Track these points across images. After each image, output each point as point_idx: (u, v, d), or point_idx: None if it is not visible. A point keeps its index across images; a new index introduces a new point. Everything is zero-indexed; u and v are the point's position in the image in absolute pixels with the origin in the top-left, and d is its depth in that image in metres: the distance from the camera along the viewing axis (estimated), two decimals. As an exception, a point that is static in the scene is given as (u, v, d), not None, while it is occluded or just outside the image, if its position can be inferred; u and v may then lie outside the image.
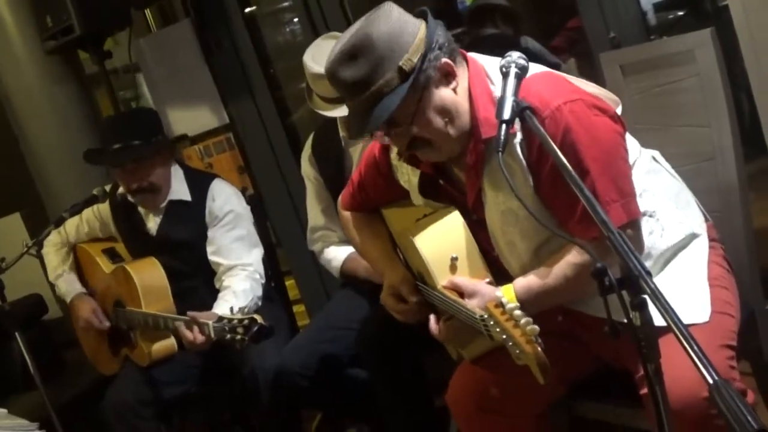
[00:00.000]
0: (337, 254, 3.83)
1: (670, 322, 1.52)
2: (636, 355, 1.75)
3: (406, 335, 3.28)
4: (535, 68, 2.45)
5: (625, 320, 1.67)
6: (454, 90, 2.45)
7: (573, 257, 2.42)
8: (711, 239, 2.67)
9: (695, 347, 1.48)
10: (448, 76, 2.43)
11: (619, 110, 2.52)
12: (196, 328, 3.53)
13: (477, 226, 2.63)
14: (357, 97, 2.38)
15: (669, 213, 2.59)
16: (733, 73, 3.51)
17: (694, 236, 2.62)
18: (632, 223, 2.38)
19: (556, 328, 2.64)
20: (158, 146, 3.93)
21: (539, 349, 2.05)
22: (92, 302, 4.25)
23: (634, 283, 1.61)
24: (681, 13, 4.15)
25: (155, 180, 3.94)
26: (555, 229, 2.08)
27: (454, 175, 2.69)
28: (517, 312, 2.10)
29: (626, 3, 3.88)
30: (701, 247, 2.62)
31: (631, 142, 2.58)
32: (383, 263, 2.93)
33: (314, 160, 3.81)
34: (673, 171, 2.75)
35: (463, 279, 2.56)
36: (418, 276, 2.81)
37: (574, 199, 2.05)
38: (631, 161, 2.49)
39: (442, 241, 2.62)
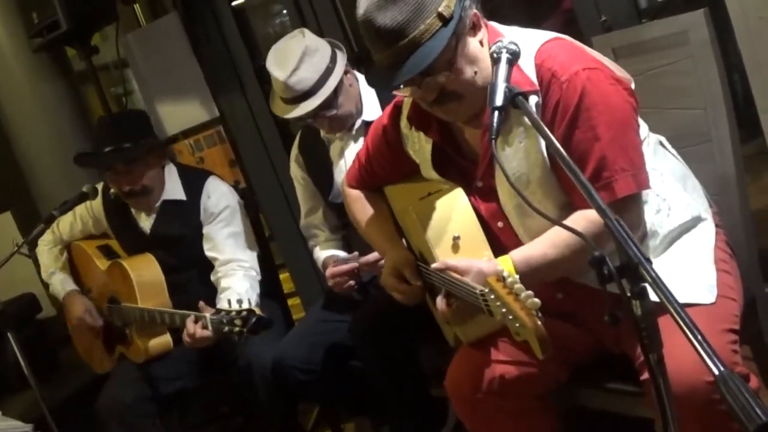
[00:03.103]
0: (319, 255, 3.85)
1: (673, 311, 1.48)
2: (636, 340, 1.72)
3: (400, 324, 3.28)
4: (552, 35, 2.52)
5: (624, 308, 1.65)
6: (480, 42, 2.47)
7: (576, 224, 2.32)
8: (715, 225, 2.65)
9: (699, 337, 1.45)
10: (475, 27, 2.46)
11: (632, 85, 2.52)
12: (200, 323, 3.51)
13: (483, 193, 2.62)
14: (394, 45, 2.34)
15: (676, 194, 2.59)
16: (726, 53, 3.47)
17: (700, 219, 2.61)
18: (636, 197, 2.39)
19: (557, 310, 2.62)
20: (149, 148, 3.92)
21: (540, 323, 2.01)
22: (85, 300, 4.24)
23: (634, 272, 1.58)
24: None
25: (147, 182, 3.93)
26: (546, 214, 2.01)
27: (462, 143, 2.69)
28: (518, 285, 2.08)
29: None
30: (708, 231, 2.60)
31: (640, 122, 2.58)
32: (384, 243, 2.94)
33: (301, 160, 3.84)
34: (679, 157, 2.74)
35: (456, 259, 2.53)
36: (419, 256, 2.81)
37: (582, 163, 2.24)
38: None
39: (445, 220, 2.62)
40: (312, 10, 4.77)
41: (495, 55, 2.18)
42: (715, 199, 2.79)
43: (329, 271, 3.58)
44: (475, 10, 2.43)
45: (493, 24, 2.56)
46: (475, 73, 2.43)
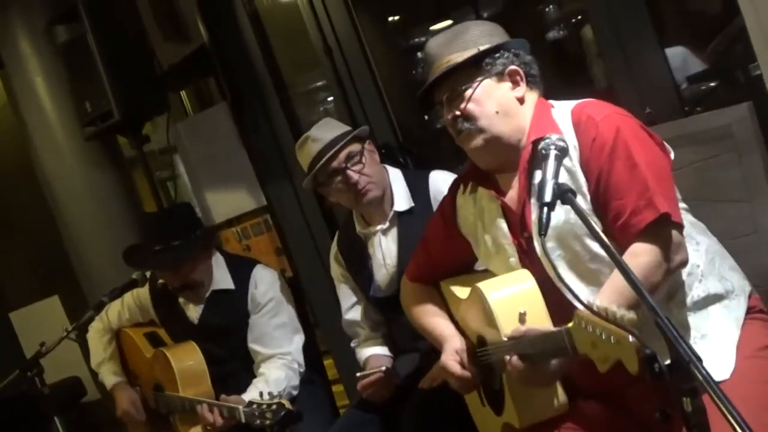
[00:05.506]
0: (360, 356, 3.87)
1: (725, 410, 1.49)
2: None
3: (448, 421, 3.26)
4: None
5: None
6: (519, 100, 2.68)
7: (636, 248, 2.41)
8: (758, 310, 2.63)
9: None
10: (514, 82, 2.69)
11: (671, 156, 2.63)
12: (216, 411, 3.58)
13: (529, 244, 2.66)
14: (436, 62, 2.71)
15: (711, 265, 2.59)
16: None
17: (732, 294, 2.59)
18: (678, 226, 2.45)
19: (600, 388, 2.61)
20: (197, 242, 3.95)
21: (637, 334, 1.93)
22: (132, 393, 4.28)
23: (685, 369, 1.59)
24: (713, 84, 4.14)
25: (197, 277, 3.98)
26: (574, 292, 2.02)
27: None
28: (612, 309, 1.96)
29: (660, 77, 3.88)
30: (738, 308, 2.58)
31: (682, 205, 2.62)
32: (441, 332, 2.95)
33: (341, 258, 3.87)
34: (718, 242, 2.73)
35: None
36: (478, 342, 2.80)
37: (626, 191, 2.38)
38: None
39: (511, 296, 2.61)
40: (357, 97, 4.85)
41: (543, 151, 2.23)
42: (761, 290, 2.77)
43: (359, 385, 3.62)
44: (516, 67, 2.67)
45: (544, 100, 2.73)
46: (497, 113, 2.64)
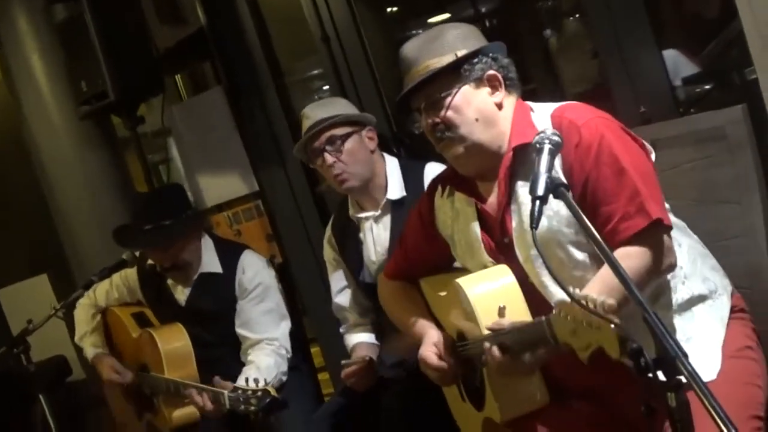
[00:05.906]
0: (348, 342, 3.88)
1: (709, 407, 1.50)
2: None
3: (429, 410, 3.27)
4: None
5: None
6: (498, 106, 2.66)
7: (626, 251, 2.41)
8: (739, 309, 2.67)
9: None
10: (493, 87, 2.66)
11: (652, 157, 2.63)
12: (206, 395, 3.57)
13: (509, 249, 2.66)
14: (412, 68, 2.68)
15: (693, 266, 2.62)
16: (762, 147, 3.51)
17: (715, 293, 2.62)
18: (667, 228, 2.46)
19: (586, 385, 2.62)
20: (187, 223, 3.97)
21: (618, 321, 1.94)
22: (112, 360, 4.28)
23: (671, 364, 1.60)
24: (708, 87, 4.15)
25: (187, 257, 3.99)
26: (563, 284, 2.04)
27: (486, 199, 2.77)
28: (591, 296, 1.98)
29: (656, 78, 3.90)
30: (722, 308, 2.62)
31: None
32: (420, 326, 2.94)
33: (334, 241, 3.87)
34: (700, 241, 2.76)
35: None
36: (458, 337, 2.80)
37: (616, 196, 2.37)
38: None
39: (490, 291, 2.63)
40: (353, 86, 4.84)
41: (538, 145, 2.23)
42: (746, 292, 2.78)
43: (343, 374, 3.63)
44: (495, 72, 2.65)
45: (523, 102, 2.72)
46: (477, 120, 2.62)
